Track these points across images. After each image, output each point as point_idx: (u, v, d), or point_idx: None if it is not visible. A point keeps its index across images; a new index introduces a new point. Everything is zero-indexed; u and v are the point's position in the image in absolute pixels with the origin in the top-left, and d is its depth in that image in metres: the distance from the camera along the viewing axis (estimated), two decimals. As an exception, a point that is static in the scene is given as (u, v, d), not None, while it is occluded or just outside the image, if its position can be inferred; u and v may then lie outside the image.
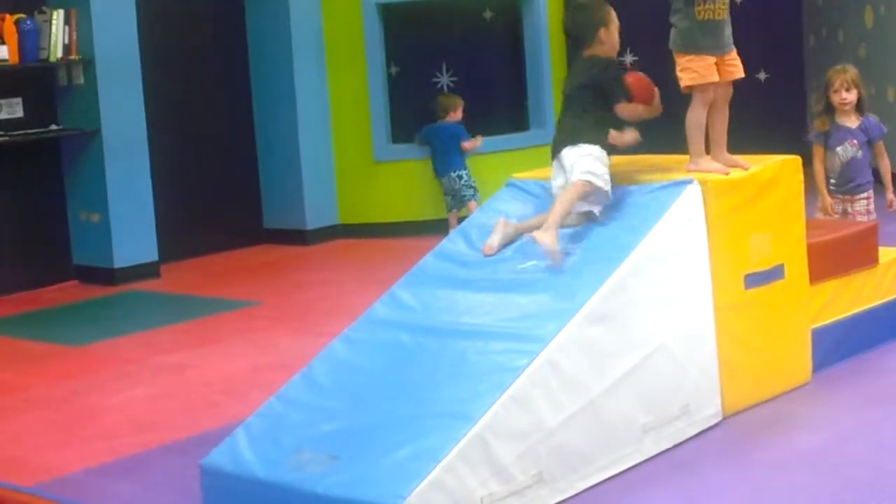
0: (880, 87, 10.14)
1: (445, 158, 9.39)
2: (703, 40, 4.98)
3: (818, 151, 6.60)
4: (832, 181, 6.59)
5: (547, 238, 4.60)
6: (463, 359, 4.28)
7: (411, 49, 10.11)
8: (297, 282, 8.44)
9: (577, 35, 5.08)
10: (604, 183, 4.80)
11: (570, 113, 4.97)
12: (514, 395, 4.04)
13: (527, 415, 4.06)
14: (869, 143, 6.57)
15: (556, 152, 4.97)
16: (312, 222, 9.72)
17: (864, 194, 6.56)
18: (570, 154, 4.87)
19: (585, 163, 4.81)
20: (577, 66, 5.12)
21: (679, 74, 5.05)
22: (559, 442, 4.14)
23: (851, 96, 6.52)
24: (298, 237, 9.69)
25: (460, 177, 9.31)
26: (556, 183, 4.95)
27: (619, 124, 4.97)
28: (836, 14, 10.87)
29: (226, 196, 9.73)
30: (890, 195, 6.62)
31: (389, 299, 4.81)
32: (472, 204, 9.03)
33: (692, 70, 4.99)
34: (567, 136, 4.92)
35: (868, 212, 6.53)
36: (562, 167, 4.93)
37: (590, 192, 4.79)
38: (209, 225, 9.56)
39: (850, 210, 6.56)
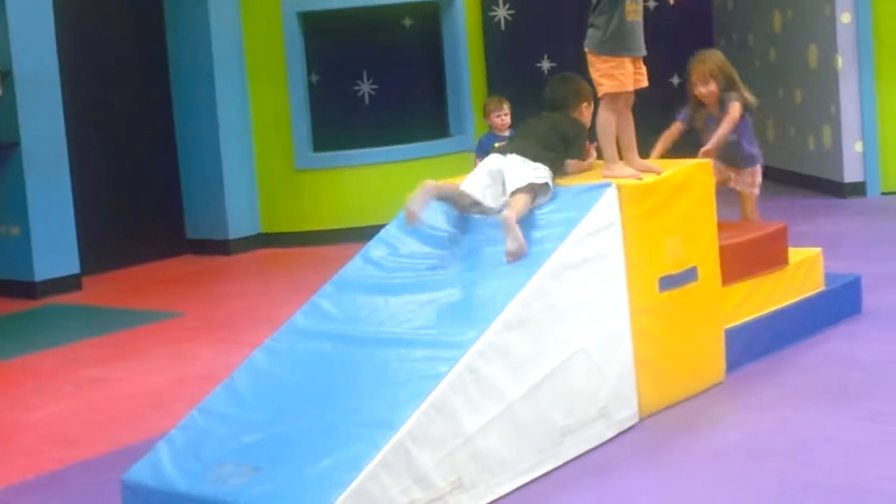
0: (788, 89, 10.29)
1: None
2: (629, 42, 5.02)
3: (675, 126, 6.35)
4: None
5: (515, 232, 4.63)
6: (384, 367, 4.27)
7: (332, 57, 10.07)
8: (221, 292, 8.37)
9: (562, 98, 5.26)
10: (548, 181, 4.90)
11: (539, 142, 5.05)
12: (434, 403, 4.03)
13: (447, 421, 4.05)
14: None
15: (504, 152, 4.99)
16: (235, 232, 9.64)
17: (750, 169, 6.35)
18: (521, 164, 4.88)
19: (536, 172, 4.87)
20: (560, 116, 5.22)
21: (599, 79, 5.06)
22: (479, 447, 4.14)
23: (709, 88, 6.18)
24: (221, 247, 9.61)
25: None
26: (481, 183, 4.93)
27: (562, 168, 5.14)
28: (746, 18, 11.00)
29: (148, 207, 9.63)
30: (705, 148, 6.04)
31: (311, 309, 4.78)
32: None
33: (615, 77, 5.02)
34: (527, 152, 4.95)
35: (752, 185, 6.35)
36: (496, 172, 4.92)
37: (539, 191, 4.85)
38: (131, 236, 9.45)
39: (734, 179, 6.40)
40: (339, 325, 4.64)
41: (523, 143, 5.07)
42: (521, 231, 4.64)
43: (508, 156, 4.97)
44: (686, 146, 6.15)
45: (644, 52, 5.10)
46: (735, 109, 6.12)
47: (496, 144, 7.16)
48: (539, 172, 4.89)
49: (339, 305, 4.76)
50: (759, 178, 6.37)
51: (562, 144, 5.11)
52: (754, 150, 6.35)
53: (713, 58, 6.30)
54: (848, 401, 4.89)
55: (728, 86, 6.20)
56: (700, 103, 6.31)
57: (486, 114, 7.33)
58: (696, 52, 6.39)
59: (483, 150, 7.51)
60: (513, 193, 4.81)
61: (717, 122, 6.18)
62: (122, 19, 9.61)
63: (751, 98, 6.22)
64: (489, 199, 4.90)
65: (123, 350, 6.82)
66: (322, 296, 4.86)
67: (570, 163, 5.21)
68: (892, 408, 4.77)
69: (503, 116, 7.11)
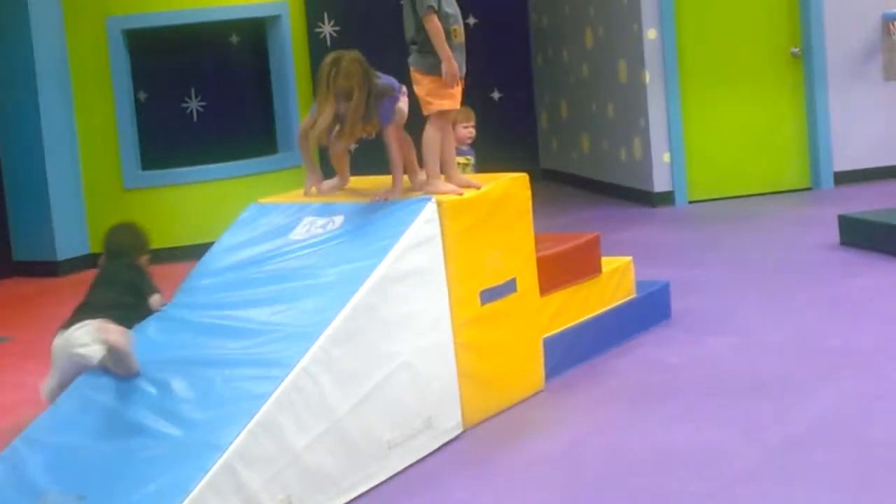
0: (601, 103, 10.48)
1: None
2: (459, 63, 5.01)
3: None
4: None
5: None
6: (211, 388, 4.18)
7: (159, 74, 9.85)
8: (49, 315, 8.02)
9: (121, 248, 5.09)
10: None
11: (114, 297, 4.88)
12: (261, 421, 3.97)
13: (274, 440, 3.99)
14: None
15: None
16: (63, 253, 9.31)
17: None
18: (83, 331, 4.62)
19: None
20: (125, 267, 5.05)
21: (427, 98, 5.04)
22: (306, 464, 4.08)
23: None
24: (49, 268, 9.26)
25: None
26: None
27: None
28: (560, 35, 11.17)
29: (-28, 229, 9.25)
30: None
31: (135, 332, 4.64)
32: None
33: (446, 96, 5.01)
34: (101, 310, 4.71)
35: None
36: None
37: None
38: (-44, 259, 9.06)
39: None
40: (164, 347, 4.52)
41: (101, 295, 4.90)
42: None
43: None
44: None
45: (463, 73, 5.12)
46: None
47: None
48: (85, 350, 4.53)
49: (163, 328, 4.65)
50: None
51: (135, 298, 4.90)
52: None
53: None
54: (658, 403, 4.98)
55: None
56: None
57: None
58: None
59: None
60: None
61: None
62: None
63: None
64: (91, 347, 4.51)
65: (-56, 378, 6.52)
66: (148, 319, 4.74)
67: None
68: (701, 409, 4.88)
69: (470, 128, 6.59)
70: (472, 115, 6.79)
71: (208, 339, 4.47)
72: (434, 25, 4.93)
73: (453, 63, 4.96)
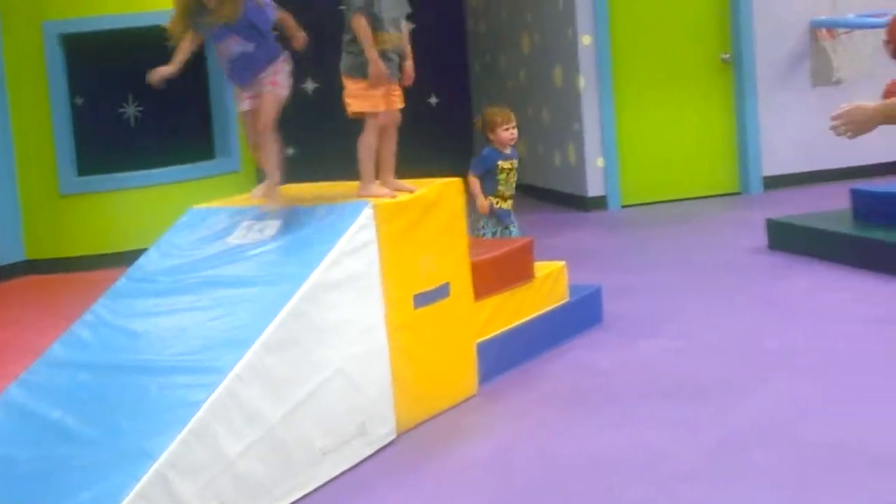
0: (537, 108, 10.50)
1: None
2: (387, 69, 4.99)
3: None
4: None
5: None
6: (144, 395, 4.11)
7: (96, 79, 9.71)
8: (-16, 321, 7.92)
9: None
10: None
11: None
12: (194, 429, 3.90)
13: (207, 448, 3.92)
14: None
15: None
16: (-2, 259, 9.16)
17: None
18: None
19: None
20: None
21: (348, 100, 5.03)
22: (240, 472, 4.02)
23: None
24: (-15, 274, 9.11)
25: (476, 218, 6.66)
26: None
27: None
28: (497, 41, 11.18)
29: None
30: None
31: (69, 338, 4.57)
32: None
33: (367, 98, 4.99)
34: None
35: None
36: None
37: None
38: None
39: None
40: (97, 353, 4.45)
41: None
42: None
43: None
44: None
45: (395, 78, 5.09)
46: None
47: (500, 162, 6.70)
48: None
49: (97, 334, 4.57)
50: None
51: None
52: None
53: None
54: (592, 407, 4.98)
55: None
56: None
57: (490, 127, 6.59)
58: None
59: (485, 167, 6.55)
60: None
61: None
62: None
63: None
64: None
65: None
66: (81, 324, 4.66)
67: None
68: (634, 412, 4.88)
69: (512, 130, 6.52)
70: (511, 116, 6.65)
71: (142, 346, 4.41)
72: (360, 26, 4.93)
73: (379, 65, 4.93)
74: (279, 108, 5.09)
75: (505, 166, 6.58)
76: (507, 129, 6.52)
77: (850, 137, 3.61)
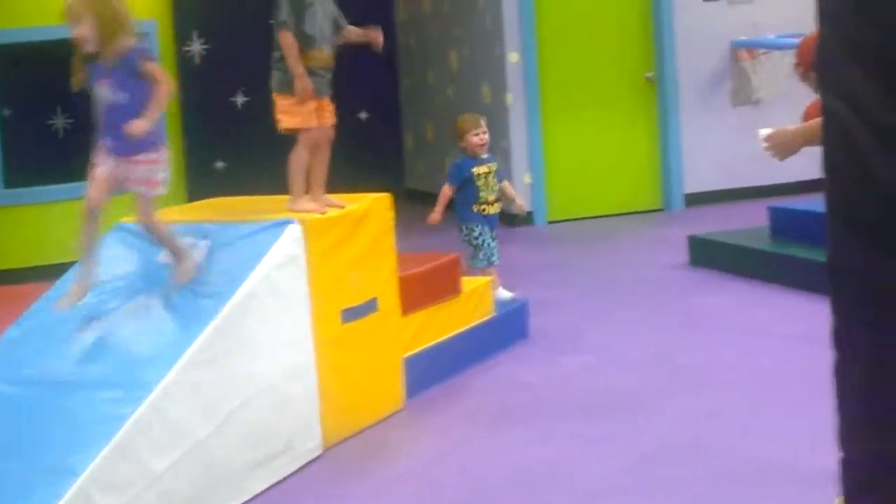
0: (466, 124, 10.52)
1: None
2: (315, 85, 4.98)
3: None
4: None
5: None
6: (69, 411, 4.06)
7: (24, 90, 9.57)
8: None
9: None
10: None
11: None
12: (118, 445, 3.86)
13: (131, 464, 3.89)
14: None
15: None
16: (-77, 270, 8.98)
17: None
18: None
19: None
20: None
21: (279, 116, 5.02)
22: (165, 488, 3.98)
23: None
24: None
25: (469, 230, 6.61)
26: None
27: None
28: (427, 57, 11.21)
29: None
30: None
31: (-2, 349, 4.50)
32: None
33: (296, 114, 4.97)
34: None
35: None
36: None
37: None
38: None
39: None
40: (22, 368, 4.38)
41: None
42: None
43: None
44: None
45: (325, 95, 5.08)
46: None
47: (474, 169, 6.57)
48: None
49: (22, 347, 4.50)
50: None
51: None
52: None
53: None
54: (516, 422, 5.00)
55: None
56: None
57: (459, 135, 6.58)
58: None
59: (460, 177, 6.48)
60: None
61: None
62: None
63: None
64: None
65: None
66: (6, 339, 4.58)
67: None
68: (556, 427, 4.91)
69: (482, 135, 6.49)
70: (480, 121, 6.63)
71: (68, 360, 4.35)
72: (285, 41, 4.93)
73: (303, 79, 4.92)
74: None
75: (481, 171, 6.58)
76: (476, 135, 6.52)
77: (779, 160, 3.70)
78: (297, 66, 4.91)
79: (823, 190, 1.81)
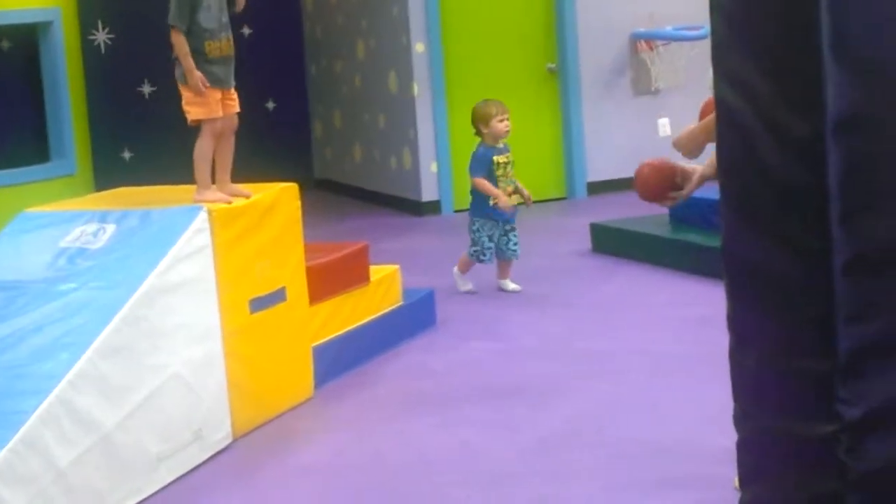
0: (373, 114, 10.48)
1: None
2: (210, 75, 4.92)
3: None
4: None
5: None
6: (-27, 404, 3.94)
7: (-74, 79, 9.31)
8: None
9: None
10: None
11: None
12: (23, 438, 3.76)
13: (38, 457, 3.79)
14: None
15: None
16: None
17: None
18: None
19: None
20: None
21: (186, 108, 4.97)
22: (72, 481, 3.89)
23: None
24: None
25: (472, 221, 6.65)
26: None
27: None
28: (334, 46, 11.12)
29: None
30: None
31: None
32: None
33: (203, 104, 4.91)
34: None
35: None
36: None
37: None
38: None
39: None
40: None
41: None
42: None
43: None
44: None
45: (228, 85, 5.02)
46: None
47: (495, 158, 6.45)
48: None
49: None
50: None
51: None
52: None
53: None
54: (423, 409, 4.99)
55: None
56: None
57: (483, 120, 6.36)
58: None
59: (483, 168, 6.35)
60: None
61: None
62: None
63: None
64: None
65: None
66: None
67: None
68: (462, 413, 4.90)
69: (507, 121, 6.25)
70: (505, 107, 6.42)
71: (-30, 355, 4.23)
72: (175, 40, 4.91)
73: (194, 74, 4.88)
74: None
75: (500, 160, 6.49)
76: (501, 121, 6.36)
77: (692, 159, 3.76)
78: (186, 61, 4.90)
79: (718, 180, 1.82)
